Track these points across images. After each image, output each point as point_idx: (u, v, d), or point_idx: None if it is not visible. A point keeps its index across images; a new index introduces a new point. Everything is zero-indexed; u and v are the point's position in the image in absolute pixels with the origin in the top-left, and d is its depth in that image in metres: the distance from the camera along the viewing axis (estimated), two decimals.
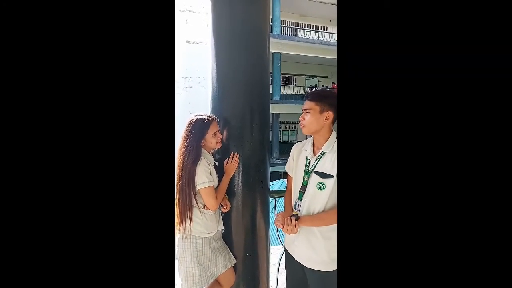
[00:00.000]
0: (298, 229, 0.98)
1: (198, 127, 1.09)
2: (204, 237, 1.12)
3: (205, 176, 1.07)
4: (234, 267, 1.21)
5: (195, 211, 1.10)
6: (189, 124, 1.09)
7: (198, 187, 1.07)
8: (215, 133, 1.12)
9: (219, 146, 1.15)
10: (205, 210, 1.11)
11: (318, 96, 0.98)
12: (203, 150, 1.12)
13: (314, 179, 0.98)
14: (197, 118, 1.10)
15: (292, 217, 0.97)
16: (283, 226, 0.98)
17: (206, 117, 1.11)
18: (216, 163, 1.20)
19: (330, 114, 0.97)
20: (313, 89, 1.08)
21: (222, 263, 1.17)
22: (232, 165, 1.16)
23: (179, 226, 1.09)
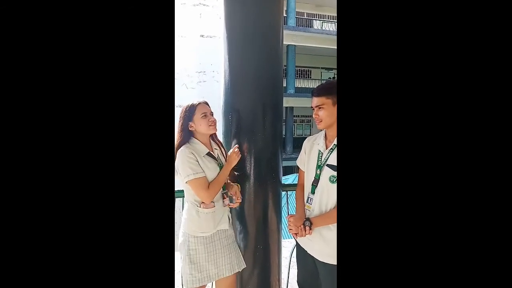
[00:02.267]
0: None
1: (186, 112, 1.05)
2: (197, 236, 1.05)
3: (188, 168, 0.99)
4: (244, 260, 1.18)
5: (191, 207, 1.06)
6: (181, 111, 1.06)
7: (185, 180, 1.01)
8: (204, 114, 1.04)
9: (213, 130, 1.07)
10: (199, 208, 1.05)
11: (327, 90, 0.98)
12: (193, 139, 1.06)
13: (327, 172, 0.98)
14: (187, 104, 1.07)
15: (305, 225, 0.99)
16: (297, 235, 1.00)
17: (193, 101, 1.07)
18: (213, 153, 1.13)
19: None
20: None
21: (227, 266, 1.09)
22: (233, 155, 1.10)
23: None
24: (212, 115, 1.08)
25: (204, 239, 1.06)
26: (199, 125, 1.05)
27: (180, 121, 1.05)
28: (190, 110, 1.05)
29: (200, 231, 1.06)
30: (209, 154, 1.08)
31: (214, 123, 1.07)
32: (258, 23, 1.18)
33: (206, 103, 1.08)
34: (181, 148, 1.03)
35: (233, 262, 1.11)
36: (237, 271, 1.12)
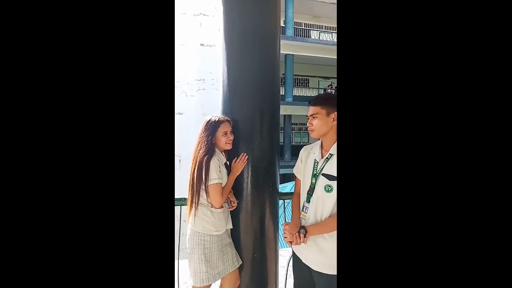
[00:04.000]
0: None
1: (210, 126, 1.17)
2: (212, 235, 1.16)
3: (214, 173, 1.12)
4: (240, 269, 1.22)
5: (204, 209, 1.15)
6: (205, 123, 1.19)
7: (209, 183, 1.12)
8: (225, 133, 1.17)
9: (228, 147, 1.19)
10: (212, 209, 1.15)
11: (322, 100, 1.00)
12: (216, 149, 1.17)
13: (322, 181, 0.99)
14: (211, 118, 1.19)
15: (300, 233, 0.99)
16: (292, 243, 1.00)
17: (219, 117, 1.19)
18: (228, 162, 1.23)
19: (336, 115, 0.98)
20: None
21: (230, 263, 1.19)
22: (239, 165, 1.19)
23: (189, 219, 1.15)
24: (231, 132, 1.19)
25: (217, 237, 1.17)
26: (219, 141, 1.18)
27: (204, 133, 1.16)
28: (215, 126, 1.16)
29: (215, 229, 1.16)
30: (225, 164, 1.21)
31: (231, 141, 1.19)
32: (256, 33, 1.20)
33: (229, 121, 1.20)
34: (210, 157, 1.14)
35: (234, 259, 1.21)
36: (237, 266, 1.21)
